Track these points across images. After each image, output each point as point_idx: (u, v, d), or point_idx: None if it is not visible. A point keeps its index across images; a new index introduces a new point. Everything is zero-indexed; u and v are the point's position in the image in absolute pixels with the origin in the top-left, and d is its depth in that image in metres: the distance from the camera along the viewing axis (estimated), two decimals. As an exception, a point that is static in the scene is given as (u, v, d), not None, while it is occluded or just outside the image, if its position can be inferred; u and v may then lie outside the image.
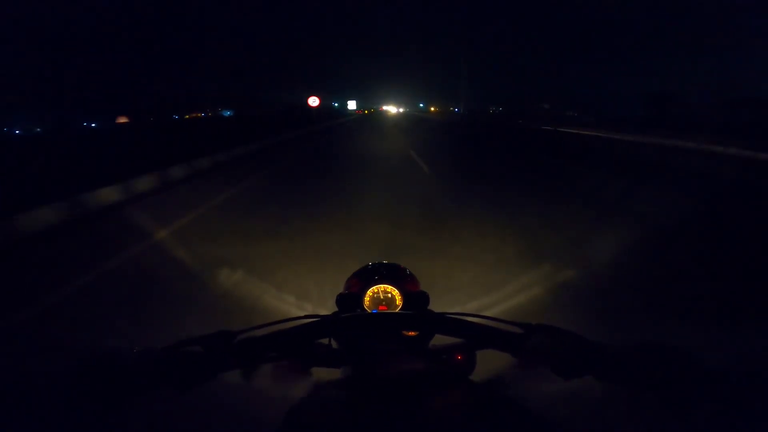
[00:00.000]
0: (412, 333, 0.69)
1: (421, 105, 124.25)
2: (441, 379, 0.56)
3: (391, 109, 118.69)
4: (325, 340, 0.64)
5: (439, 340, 0.66)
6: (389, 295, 0.76)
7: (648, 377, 0.44)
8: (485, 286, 2.69)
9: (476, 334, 0.59)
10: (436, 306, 0.72)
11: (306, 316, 0.63)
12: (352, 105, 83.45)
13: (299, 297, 2.58)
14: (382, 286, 0.77)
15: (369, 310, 0.76)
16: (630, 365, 0.45)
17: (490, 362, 0.67)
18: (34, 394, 0.43)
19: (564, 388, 0.51)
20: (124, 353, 0.48)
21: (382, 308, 0.76)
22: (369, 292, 0.77)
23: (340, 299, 0.72)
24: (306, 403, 0.51)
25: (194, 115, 67.42)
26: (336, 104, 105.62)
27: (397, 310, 0.75)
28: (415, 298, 0.73)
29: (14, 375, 0.43)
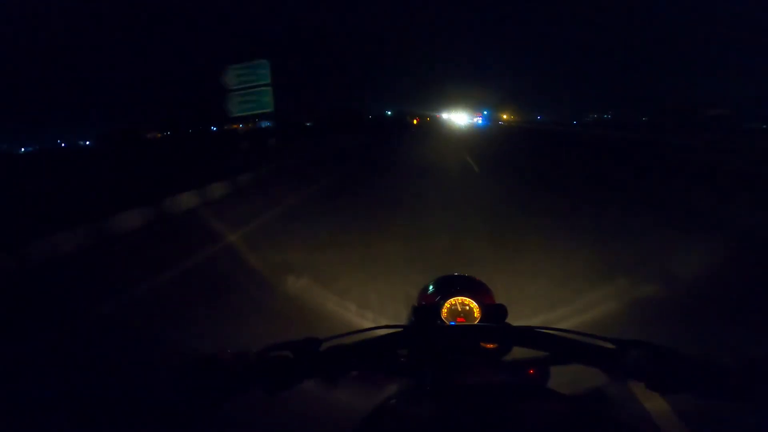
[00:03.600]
0: (490, 345, 0.68)
1: (485, 112, 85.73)
2: (527, 392, 0.57)
3: (457, 118, 70.54)
4: (404, 351, 0.66)
5: (517, 353, 0.65)
6: (467, 307, 0.77)
7: (757, 394, 0.43)
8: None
9: (563, 348, 0.57)
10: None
11: (386, 326, 0.63)
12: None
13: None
14: (460, 298, 0.77)
15: (447, 322, 0.76)
16: (737, 382, 0.44)
17: (566, 377, 0.66)
18: (137, 391, 0.45)
19: (660, 405, 0.53)
20: (221, 355, 0.51)
21: (460, 320, 0.76)
22: (447, 304, 0.77)
23: (418, 311, 0.73)
24: (384, 412, 0.53)
25: (233, 126, 49.02)
26: (389, 112, 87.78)
27: (475, 323, 0.75)
28: (494, 310, 0.74)
29: (116, 370, 0.50)
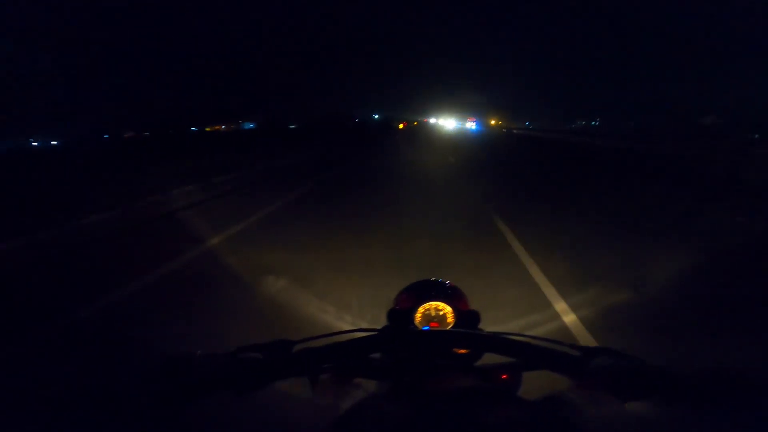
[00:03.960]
0: (462, 351, 0.69)
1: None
2: (493, 397, 0.56)
3: (445, 123, 74.62)
4: (377, 354, 0.67)
5: (488, 359, 0.66)
6: (441, 312, 0.77)
7: (715, 402, 0.44)
8: None
9: (531, 355, 0.58)
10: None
11: (359, 329, 0.65)
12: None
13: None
14: (434, 303, 0.78)
15: (420, 327, 0.77)
16: (696, 389, 0.46)
17: (534, 383, 0.67)
18: (99, 393, 0.44)
19: (621, 411, 0.52)
20: (189, 357, 0.51)
21: (434, 325, 0.77)
22: (421, 309, 0.78)
23: (392, 314, 0.74)
24: (354, 415, 0.52)
25: (216, 128, 62.95)
26: (376, 116, 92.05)
27: (448, 328, 0.76)
28: (467, 316, 0.75)
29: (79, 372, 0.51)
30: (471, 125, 64.01)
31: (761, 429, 0.41)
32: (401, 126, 62.83)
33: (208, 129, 62.69)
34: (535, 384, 0.69)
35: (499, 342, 0.60)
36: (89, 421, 0.42)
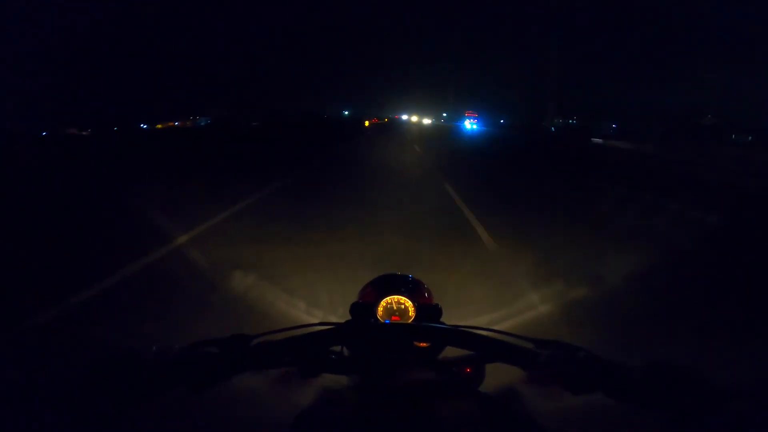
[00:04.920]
0: (423, 344, 0.70)
1: (445, 114, 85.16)
2: (450, 390, 0.58)
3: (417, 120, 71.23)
4: (338, 348, 0.67)
5: (451, 352, 0.67)
6: (402, 306, 0.78)
7: (659, 395, 0.45)
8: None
9: (487, 347, 0.59)
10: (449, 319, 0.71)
11: (321, 323, 0.65)
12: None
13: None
14: (396, 297, 0.78)
15: (382, 320, 0.77)
16: (641, 383, 0.47)
17: (500, 376, 0.67)
18: (46, 392, 0.42)
19: (573, 404, 0.52)
20: (142, 352, 0.49)
21: (395, 319, 0.77)
22: (383, 303, 0.78)
23: (354, 308, 0.73)
24: (315, 408, 0.53)
25: (169, 124, 57.71)
26: (346, 112, 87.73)
27: (409, 322, 0.76)
28: (428, 310, 0.75)
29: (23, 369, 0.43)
30: (471, 123, 47.23)
31: (707, 423, 0.43)
32: (366, 124, 51.15)
33: (159, 126, 57.81)
34: (502, 378, 0.67)
35: (456, 334, 0.60)
36: (35, 421, 0.40)
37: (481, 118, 51.70)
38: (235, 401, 0.86)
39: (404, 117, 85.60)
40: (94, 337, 2.19)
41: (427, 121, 66.12)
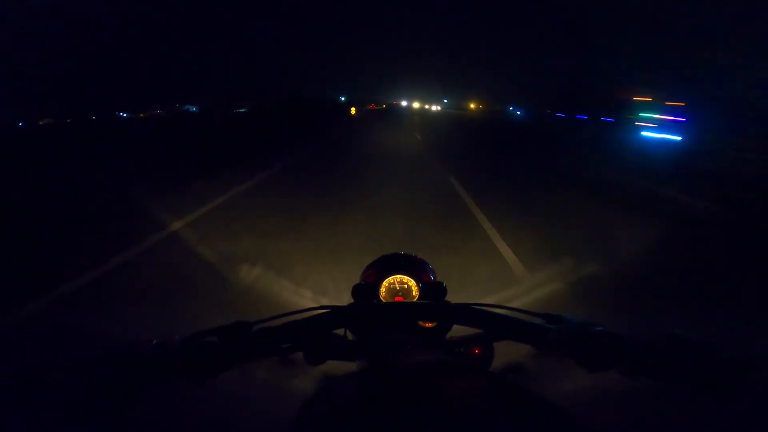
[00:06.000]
0: (429, 324, 0.68)
1: (446, 101, 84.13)
2: (458, 371, 0.55)
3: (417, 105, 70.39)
4: (341, 331, 0.64)
5: (458, 331, 0.65)
6: (405, 285, 0.76)
7: (678, 369, 0.45)
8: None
9: (496, 325, 0.58)
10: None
11: (321, 307, 0.62)
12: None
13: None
14: (398, 276, 0.77)
15: (385, 301, 0.75)
16: (659, 357, 0.46)
17: (510, 354, 0.66)
18: (51, 385, 0.42)
19: (587, 381, 0.51)
20: (143, 344, 0.49)
21: (398, 299, 0.76)
22: (385, 283, 0.76)
23: (356, 290, 0.70)
24: (320, 394, 0.51)
25: (151, 112, 55.90)
26: (342, 98, 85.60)
27: (413, 301, 0.74)
28: (433, 288, 0.71)
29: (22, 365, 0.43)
30: (433, 107, 46.60)
31: (725, 395, 0.42)
32: (353, 112, 45.84)
33: (141, 114, 57.08)
34: (511, 357, 0.66)
35: (462, 312, 0.59)
36: (36, 414, 0.40)
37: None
38: (238, 389, 0.85)
39: (404, 103, 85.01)
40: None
41: (436, 108, 65.33)
